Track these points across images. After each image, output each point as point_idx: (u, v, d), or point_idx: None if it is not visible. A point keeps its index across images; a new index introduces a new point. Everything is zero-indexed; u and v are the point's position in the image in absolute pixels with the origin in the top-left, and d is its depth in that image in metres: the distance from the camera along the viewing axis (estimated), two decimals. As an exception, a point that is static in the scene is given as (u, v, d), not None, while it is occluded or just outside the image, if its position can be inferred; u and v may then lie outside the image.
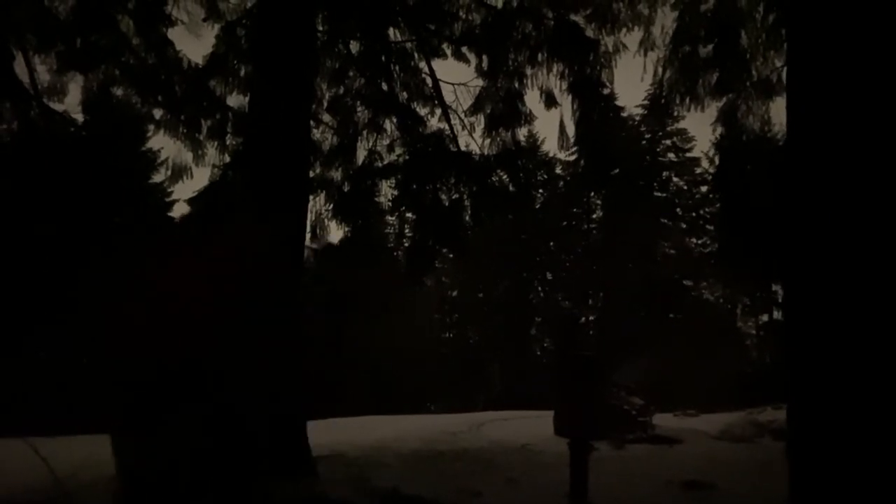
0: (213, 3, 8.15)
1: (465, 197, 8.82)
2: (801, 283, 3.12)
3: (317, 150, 8.60)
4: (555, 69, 8.01)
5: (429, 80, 8.61)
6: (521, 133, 8.88)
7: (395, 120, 8.68)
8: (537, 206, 33.26)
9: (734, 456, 9.12)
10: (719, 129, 8.25)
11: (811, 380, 3.01)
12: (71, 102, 8.35)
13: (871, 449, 2.76)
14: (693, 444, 10.36)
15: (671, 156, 34.89)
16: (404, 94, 8.59)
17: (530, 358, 33.91)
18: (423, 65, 8.56)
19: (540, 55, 8.01)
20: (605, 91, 8.11)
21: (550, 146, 33.14)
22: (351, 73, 8.57)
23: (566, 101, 8.11)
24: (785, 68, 6.74)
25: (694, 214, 34.18)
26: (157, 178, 19.48)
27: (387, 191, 8.95)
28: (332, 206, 8.89)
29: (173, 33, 7.95)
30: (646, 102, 30.64)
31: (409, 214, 9.66)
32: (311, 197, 8.31)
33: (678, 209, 34.35)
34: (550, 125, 9.09)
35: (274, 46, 6.30)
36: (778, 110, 7.63)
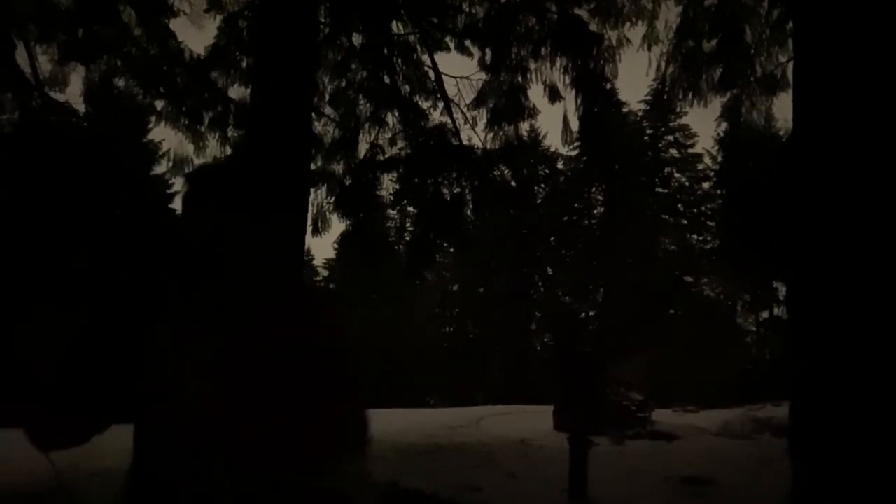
0: (215, -6, 8.12)
1: (466, 191, 8.80)
2: (805, 280, 3.11)
3: (319, 143, 8.58)
4: (558, 63, 7.98)
5: (431, 74, 8.59)
6: (524, 127, 8.86)
7: (397, 113, 8.65)
8: (539, 202, 33.23)
9: (733, 452, 9.12)
10: (722, 125, 8.23)
11: (814, 377, 3.00)
12: (72, 93, 8.34)
13: (873, 446, 2.75)
14: (692, 441, 10.38)
15: (673, 152, 34.84)
16: (407, 87, 8.56)
17: (530, 353, 33.94)
18: (425, 58, 8.53)
19: (543, 49, 7.97)
20: (609, 86, 8.08)
21: (552, 141, 33.08)
22: (353, 66, 8.53)
23: (570, 96, 8.10)
24: (789, 64, 6.72)
25: (695, 211, 34.14)
26: (159, 169, 19.49)
27: (388, 184, 8.94)
28: (333, 199, 8.88)
29: (175, 24, 7.94)
30: (648, 98, 30.64)
31: (410, 208, 9.64)
32: (312, 190, 8.30)
33: (679, 205, 34.31)
34: (552, 120, 9.05)
35: (276, 38, 6.27)
36: (781, 106, 7.59)
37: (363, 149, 8.79)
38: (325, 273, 38.09)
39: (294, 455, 1.32)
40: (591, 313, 34.49)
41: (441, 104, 8.61)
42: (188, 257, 1.40)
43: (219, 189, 1.41)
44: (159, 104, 8.42)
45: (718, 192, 31.36)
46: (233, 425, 1.26)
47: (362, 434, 1.42)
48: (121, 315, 1.40)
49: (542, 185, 34.01)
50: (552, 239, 35.95)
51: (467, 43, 8.24)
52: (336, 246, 31.67)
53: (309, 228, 8.15)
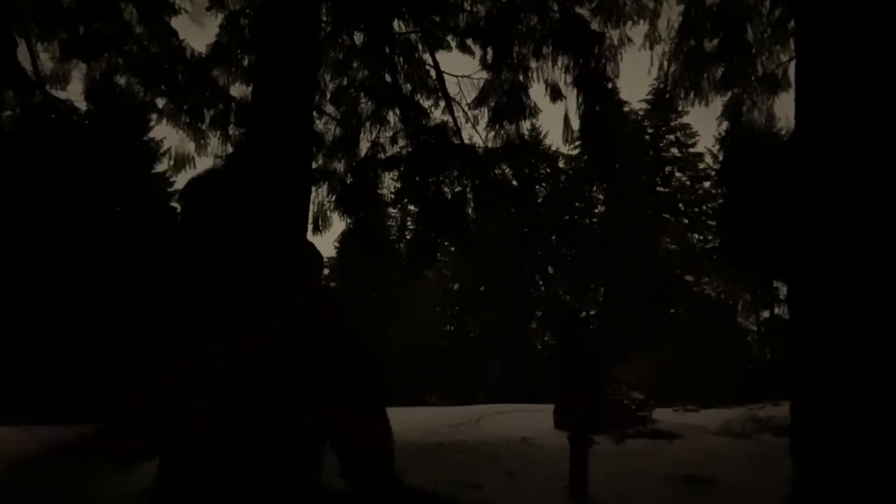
0: (217, -9, 8.11)
1: (467, 190, 8.80)
2: (806, 280, 3.11)
3: (320, 141, 8.57)
4: (560, 62, 7.98)
5: (433, 72, 8.58)
6: (525, 126, 8.84)
7: (398, 112, 8.64)
8: (540, 200, 33.24)
9: (733, 451, 9.13)
10: (723, 125, 8.23)
11: (815, 376, 3.00)
12: (74, 91, 8.34)
13: (873, 445, 2.75)
14: (692, 440, 10.38)
15: (674, 151, 34.82)
16: (408, 85, 8.56)
17: (531, 352, 33.94)
18: (427, 56, 8.52)
19: (545, 48, 7.97)
20: (610, 85, 8.07)
21: (553, 140, 33.10)
22: (355, 65, 8.53)
23: (571, 95, 8.09)
24: (790, 63, 6.72)
25: (696, 210, 34.14)
26: (160, 167, 19.49)
27: (389, 183, 8.93)
28: (334, 197, 8.88)
29: (176, 22, 7.94)
30: (650, 97, 30.62)
31: (411, 207, 9.63)
32: (313, 188, 8.30)
33: (680, 204, 34.30)
34: (553, 119, 9.04)
35: (277, 36, 6.26)
36: (783, 106, 7.60)
37: (364, 147, 8.79)
38: (325, 271, 38.10)
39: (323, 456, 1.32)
40: (592, 312, 34.49)
41: (442, 103, 8.61)
42: (189, 257, 1.39)
43: (218, 194, 1.41)
44: (160, 102, 8.42)
45: (719, 191, 31.37)
46: (252, 426, 1.26)
47: (388, 437, 1.43)
48: (133, 315, 1.40)
49: (543, 184, 34.04)
50: (553, 238, 35.95)
51: (469, 41, 8.23)
52: (337, 244, 31.68)
53: (310, 227, 8.15)
